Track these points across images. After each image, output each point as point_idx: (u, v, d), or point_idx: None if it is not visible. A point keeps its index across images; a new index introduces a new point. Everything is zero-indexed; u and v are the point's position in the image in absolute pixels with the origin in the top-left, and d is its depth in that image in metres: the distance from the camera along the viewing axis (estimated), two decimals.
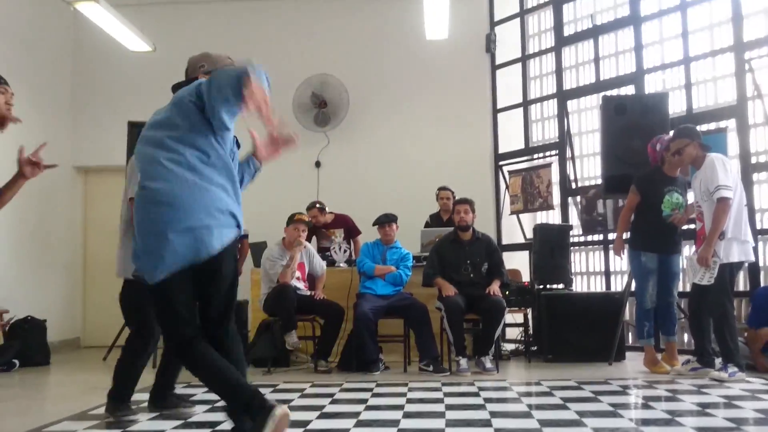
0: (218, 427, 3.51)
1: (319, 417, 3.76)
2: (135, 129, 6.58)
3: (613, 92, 6.95)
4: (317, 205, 6.98)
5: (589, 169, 7.68)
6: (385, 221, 6.04)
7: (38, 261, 7.56)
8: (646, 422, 3.58)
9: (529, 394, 4.55)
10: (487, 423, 3.51)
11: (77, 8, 6.32)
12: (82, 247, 8.50)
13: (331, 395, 4.48)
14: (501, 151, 8.24)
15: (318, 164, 8.26)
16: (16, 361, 6.13)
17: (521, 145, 8.13)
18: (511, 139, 8.23)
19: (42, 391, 5.31)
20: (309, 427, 3.50)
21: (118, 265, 4.09)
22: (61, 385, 5.54)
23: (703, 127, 6.48)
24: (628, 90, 7.00)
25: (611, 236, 6.94)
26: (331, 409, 4.02)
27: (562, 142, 7.59)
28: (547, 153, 7.88)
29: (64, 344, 7.80)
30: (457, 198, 6.38)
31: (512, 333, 7.06)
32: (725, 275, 4.83)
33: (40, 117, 7.69)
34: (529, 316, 6.46)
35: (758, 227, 6.16)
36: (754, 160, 6.18)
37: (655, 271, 5.36)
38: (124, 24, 6.78)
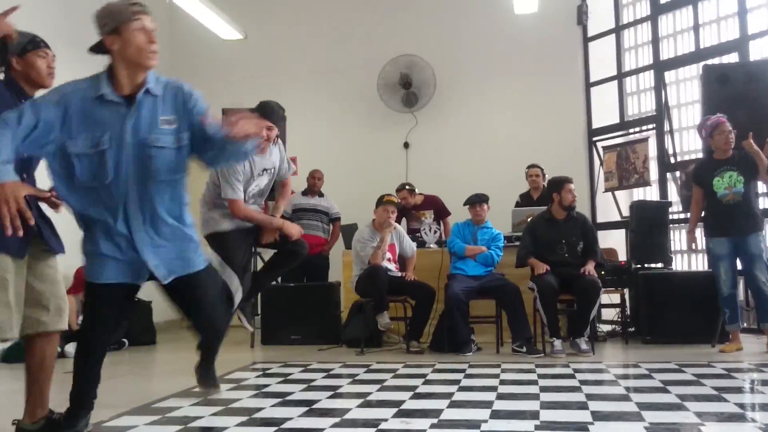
0: (314, 406, 3.60)
1: (412, 397, 3.79)
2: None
3: (715, 61, 6.60)
4: (406, 187, 7.00)
5: (689, 143, 7.35)
6: (476, 201, 5.99)
7: None
8: (753, 407, 3.43)
9: (626, 377, 4.44)
10: (583, 405, 3.45)
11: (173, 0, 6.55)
12: None
13: (423, 376, 4.50)
14: (595, 126, 8.00)
15: (406, 145, 8.27)
16: (125, 341, 6.47)
17: (616, 120, 7.86)
18: (605, 113, 7.98)
19: (149, 368, 5.60)
20: (402, 407, 3.53)
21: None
22: (166, 363, 5.82)
23: None
24: (731, 58, 6.63)
25: None
26: (424, 389, 4.05)
27: (660, 116, 7.28)
28: (644, 127, 7.59)
29: (169, 324, 8.14)
30: (549, 177, 6.24)
31: (609, 314, 6.88)
32: None
33: None
34: (626, 297, 6.27)
35: None
36: None
37: (727, 256, 5.26)
38: (216, 13, 6.98)
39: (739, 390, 3.88)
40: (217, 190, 4.25)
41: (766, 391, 3.81)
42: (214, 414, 3.43)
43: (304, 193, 7.34)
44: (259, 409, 3.54)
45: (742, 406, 3.38)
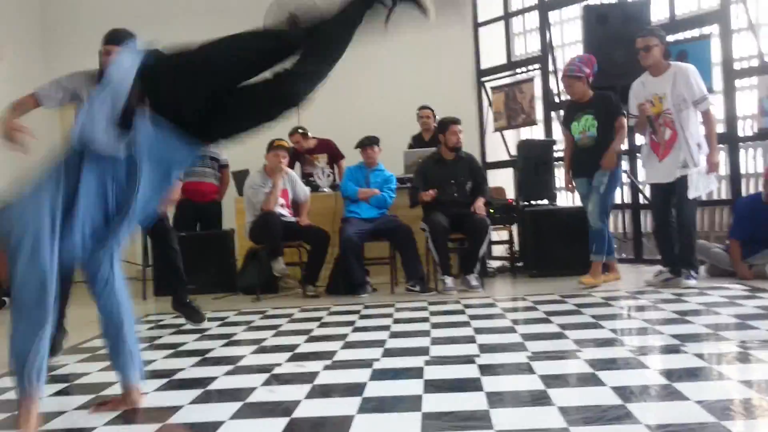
0: (207, 355, 3.57)
1: (307, 341, 3.82)
2: None
3: (596, 1, 6.78)
4: (299, 131, 6.91)
5: None
6: (367, 143, 5.99)
7: None
8: (624, 332, 3.67)
9: (513, 310, 4.63)
10: (471, 339, 3.59)
11: None
12: None
13: (318, 319, 4.54)
14: (483, 66, 8.11)
15: None
16: (5, 300, 6.15)
17: (503, 60, 8.00)
18: (493, 54, 8.08)
19: None
20: (297, 350, 3.56)
21: None
22: None
23: (686, 34, 6.42)
24: None
25: None
26: (318, 332, 4.09)
27: (545, 56, 7.46)
28: (530, 67, 7.76)
29: None
30: (439, 118, 6.31)
31: (499, 250, 7.13)
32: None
33: (10, 63, 7.50)
34: (515, 233, 6.50)
35: (740, 134, 6.15)
36: (736, 66, 6.11)
37: (587, 194, 5.44)
38: None
39: (614, 317, 4.14)
40: None
41: (638, 317, 4.07)
42: (101, 370, 3.33)
43: None
44: (150, 362, 3.46)
45: (614, 331, 3.61)
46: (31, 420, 2.24)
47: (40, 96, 3.72)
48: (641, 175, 6.20)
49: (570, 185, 5.68)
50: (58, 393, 3.00)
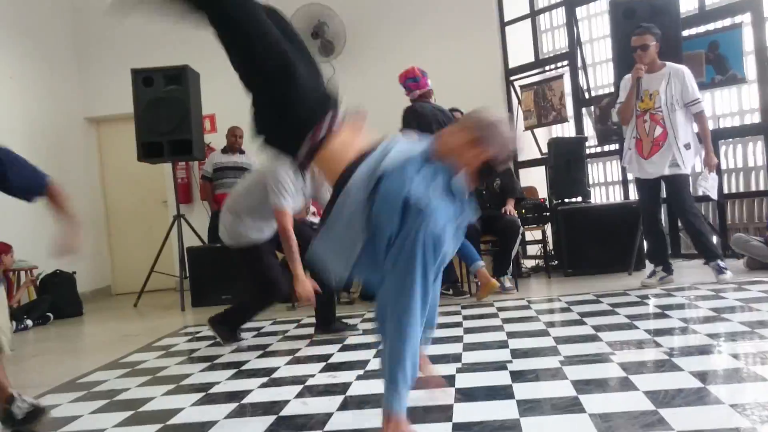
0: (242, 367, 3.62)
1: (340, 350, 3.85)
2: (139, 76, 6.56)
3: None
4: None
5: (602, 78, 7.51)
6: None
7: None
8: (659, 332, 3.61)
9: (547, 312, 4.60)
10: (503, 344, 3.58)
11: None
12: (102, 196, 8.61)
13: (352, 326, 4.56)
14: (511, 65, 8.06)
15: None
16: (50, 315, 6.32)
17: (531, 58, 7.94)
18: (520, 52, 8.03)
19: (76, 342, 5.49)
20: (330, 360, 3.59)
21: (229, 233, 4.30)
22: (94, 335, 5.72)
23: (717, 24, 6.30)
24: None
25: None
26: (352, 341, 4.11)
27: (573, 52, 7.39)
28: (559, 64, 7.69)
29: (96, 293, 8.02)
30: None
31: (533, 250, 7.08)
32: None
33: (47, 71, 7.69)
34: (548, 232, 6.46)
35: None
36: None
37: None
38: None
39: (649, 317, 4.08)
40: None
41: (674, 315, 4.01)
42: (141, 385, 3.41)
43: (224, 151, 7.21)
44: (186, 376, 3.54)
45: (649, 332, 3.56)
46: None
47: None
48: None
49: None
50: (99, 410, 3.07)
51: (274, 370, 3.50)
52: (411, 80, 5.48)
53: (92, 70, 8.38)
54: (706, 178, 4.93)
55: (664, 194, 5.13)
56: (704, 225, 5.11)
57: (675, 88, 4.87)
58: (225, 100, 7.78)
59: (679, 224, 5.96)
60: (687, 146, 4.86)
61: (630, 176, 7.01)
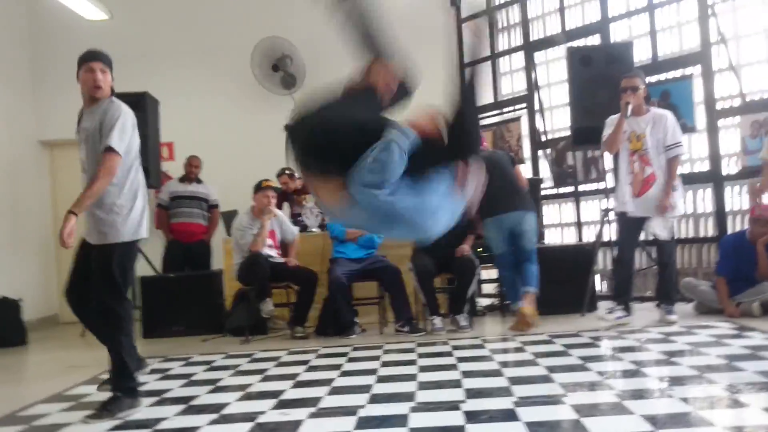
0: (192, 402, 3.54)
1: (293, 386, 3.80)
2: None
3: (579, 43, 6.89)
4: (286, 172, 6.93)
5: (559, 121, 7.67)
6: None
7: (9, 240, 7.48)
8: (610, 374, 3.65)
9: (501, 351, 4.62)
10: (457, 384, 3.57)
11: None
12: (53, 222, 8.38)
13: (306, 362, 4.51)
14: None
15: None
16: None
17: (491, 99, 8.08)
18: (480, 93, 8.15)
19: (16, 372, 5.30)
20: (282, 397, 3.54)
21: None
22: (37, 365, 5.54)
23: (669, 75, 6.52)
24: (595, 39, 6.95)
25: (582, 188, 7.06)
26: (305, 377, 4.06)
27: (530, 95, 7.55)
28: (517, 106, 7.84)
29: (42, 322, 7.77)
30: None
31: (489, 288, 7.12)
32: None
33: (0, 93, 7.54)
34: None
35: (724, 173, 6.22)
36: (719, 106, 6.20)
37: None
38: None
39: (601, 358, 4.13)
40: None
41: (625, 358, 4.06)
42: (84, 420, 3.29)
43: (182, 180, 7.12)
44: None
45: (601, 374, 3.60)
46: None
47: None
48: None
49: None
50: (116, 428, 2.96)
51: (224, 405, 3.43)
52: None
53: (48, 93, 8.23)
54: (663, 221, 5.07)
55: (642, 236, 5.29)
56: (676, 270, 5.32)
57: (659, 132, 5.05)
58: (184, 128, 7.79)
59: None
60: (674, 188, 5.04)
61: (584, 218, 7.17)
